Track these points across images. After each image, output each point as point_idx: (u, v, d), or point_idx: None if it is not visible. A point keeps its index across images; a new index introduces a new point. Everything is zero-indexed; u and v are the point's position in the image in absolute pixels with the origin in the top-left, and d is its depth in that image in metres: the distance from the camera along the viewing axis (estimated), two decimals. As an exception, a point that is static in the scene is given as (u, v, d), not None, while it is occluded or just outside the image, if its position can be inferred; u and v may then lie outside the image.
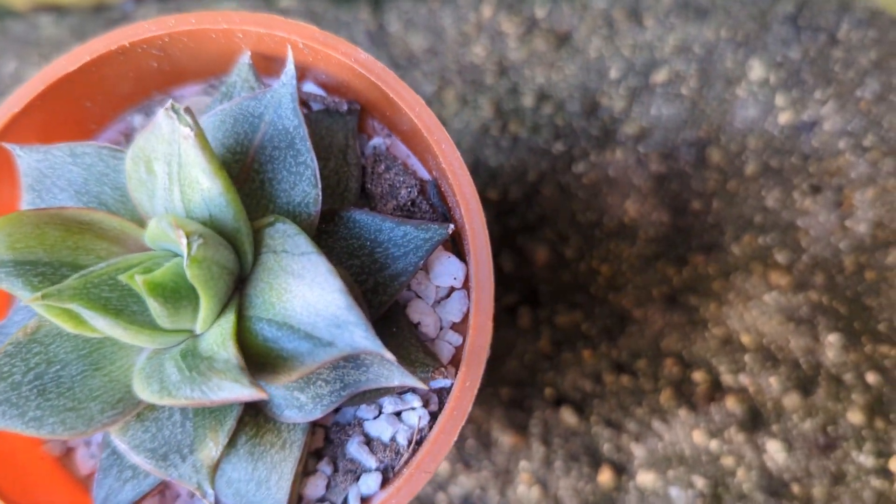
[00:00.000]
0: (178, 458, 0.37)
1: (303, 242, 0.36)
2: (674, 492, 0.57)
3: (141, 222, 0.39)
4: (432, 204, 0.43)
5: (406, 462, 0.40)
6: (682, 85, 0.63)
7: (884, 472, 0.55)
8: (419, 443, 0.40)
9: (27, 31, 0.75)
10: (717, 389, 0.59)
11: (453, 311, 0.42)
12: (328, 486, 0.40)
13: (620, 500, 0.57)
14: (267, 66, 0.44)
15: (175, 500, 0.42)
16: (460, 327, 0.42)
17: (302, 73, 0.45)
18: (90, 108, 0.45)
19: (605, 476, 0.57)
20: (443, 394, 0.41)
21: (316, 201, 0.39)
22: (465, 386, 0.37)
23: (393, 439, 0.40)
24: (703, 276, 0.61)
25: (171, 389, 0.34)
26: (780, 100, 0.62)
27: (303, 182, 0.39)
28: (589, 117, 0.63)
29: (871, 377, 0.57)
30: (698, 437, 0.59)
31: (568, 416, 0.58)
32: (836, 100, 0.61)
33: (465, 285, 0.42)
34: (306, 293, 0.35)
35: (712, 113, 0.62)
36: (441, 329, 0.42)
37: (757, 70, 0.62)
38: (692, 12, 0.65)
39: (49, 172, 0.41)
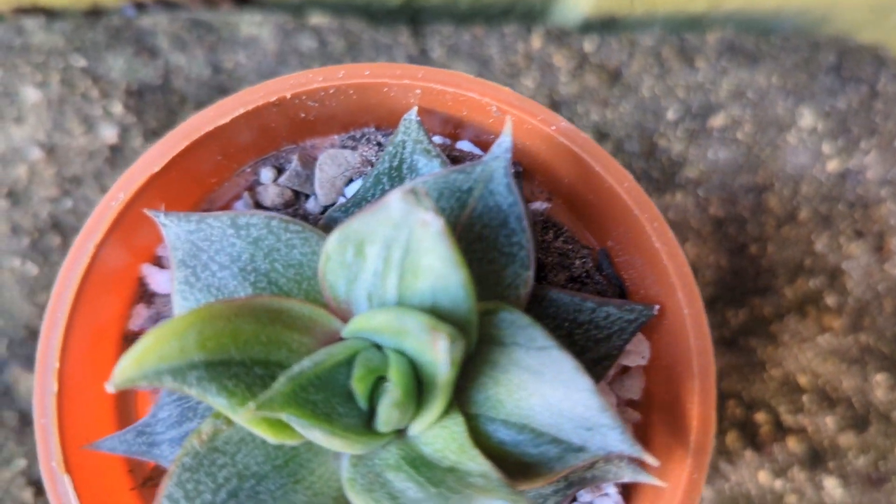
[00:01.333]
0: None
1: (539, 335, 0.33)
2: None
3: (325, 307, 0.34)
4: (606, 275, 0.41)
5: (602, 552, 0.38)
6: (738, 130, 0.64)
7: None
8: (613, 531, 0.38)
9: (10, 37, 0.65)
10: (778, 430, 0.61)
11: (632, 388, 0.41)
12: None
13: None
14: (429, 122, 0.40)
15: None
16: (637, 405, 0.41)
17: (457, 130, 0.41)
18: (219, 161, 0.39)
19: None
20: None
21: (526, 283, 0.36)
22: (692, 479, 0.35)
23: (585, 529, 0.38)
24: (759, 319, 0.63)
25: (414, 509, 0.30)
26: (827, 148, 0.65)
27: (515, 264, 0.36)
28: (648, 158, 0.63)
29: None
30: (763, 477, 0.60)
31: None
32: (878, 150, 0.64)
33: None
34: (547, 392, 0.33)
35: (766, 158, 0.64)
36: (615, 408, 0.41)
37: (807, 118, 0.65)
38: (742, 57, 0.66)
39: (205, 246, 0.35)
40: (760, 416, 0.62)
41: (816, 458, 0.61)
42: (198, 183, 0.40)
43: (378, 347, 0.34)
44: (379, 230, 0.32)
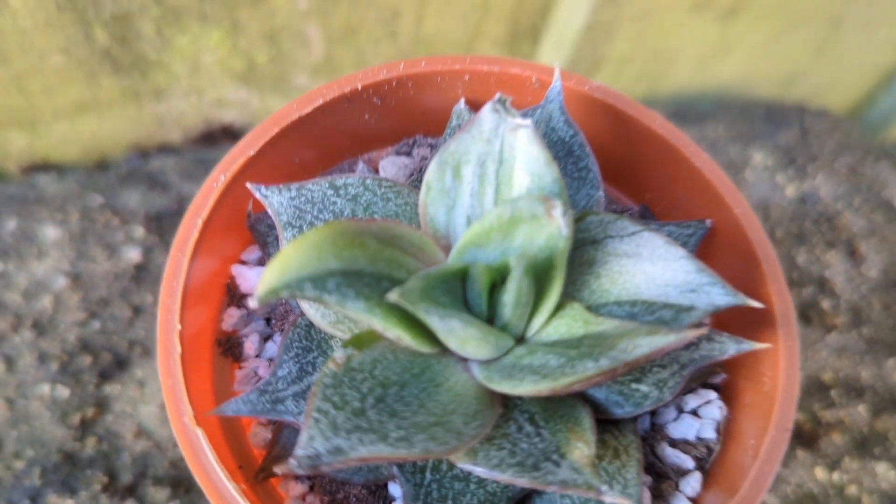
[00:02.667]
0: (552, 465, 0.33)
1: (628, 224, 0.37)
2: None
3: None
4: (652, 222, 0.46)
5: (719, 454, 0.39)
6: (702, 173, 0.73)
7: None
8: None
9: (23, 192, 0.68)
10: (819, 426, 0.63)
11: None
12: (654, 496, 0.38)
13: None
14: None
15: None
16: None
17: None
18: (296, 164, 0.43)
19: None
20: (721, 388, 0.42)
21: (599, 202, 0.40)
22: (788, 346, 0.38)
23: (698, 436, 0.39)
24: (770, 330, 0.67)
25: (561, 371, 0.32)
26: (780, 178, 0.73)
27: (586, 185, 0.40)
28: (633, 207, 0.70)
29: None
30: (820, 473, 0.61)
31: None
32: (823, 172, 0.73)
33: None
34: (647, 269, 0.36)
35: (734, 193, 0.72)
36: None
37: (757, 157, 0.74)
38: (689, 119, 0.76)
39: (307, 208, 0.38)
40: (799, 417, 0.63)
41: (863, 446, 0.62)
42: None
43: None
44: (473, 148, 0.36)
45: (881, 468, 0.62)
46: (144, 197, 0.69)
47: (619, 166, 0.46)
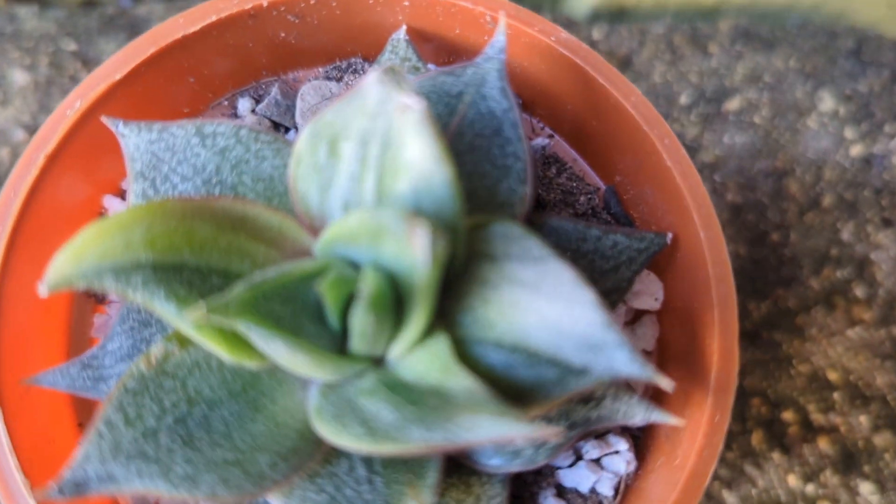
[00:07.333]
0: (371, 524, 0.28)
1: (535, 246, 0.29)
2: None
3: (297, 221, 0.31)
4: (614, 214, 0.37)
5: (611, 517, 0.33)
6: (754, 114, 0.61)
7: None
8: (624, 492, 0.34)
9: (1, 24, 0.63)
10: (808, 430, 0.56)
11: (644, 337, 0.36)
12: (519, 552, 0.33)
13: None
14: (421, 49, 0.37)
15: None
16: (650, 356, 0.36)
17: (451, 58, 0.38)
18: (191, 84, 0.36)
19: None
20: (640, 436, 0.35)
21: (523, 201, 0.32)
22: (714, 422, 0.31)
23: (593, 490, 0.33)
24: (784, 311, 0.58)
25: (389, 432, 0.26)
26: (849, 132, 0.61)
27: (510, 178, 0.32)
28: (660, 142, 0.60)
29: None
30: (793, 481, 0.55)
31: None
32: (904, 134, 0.61)
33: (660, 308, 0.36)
34: (544, 308, 0.28)
35: (786, 143, 0.61)
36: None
37: (827, 102, 0.61)
38: (757, 42, 0.63)
39: (166, 157, 0.32)
40: (788, 415, 0.56)
41: (850, 461, 0.55)
42: (169, 111, 0.37)
43: (354, 267, 0.30)
44: (354, 122, 0.29)
45: (865, 488, 0.55)
46: (120, 47, 0.63)
47: (589, 138, 0.37)
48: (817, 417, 0.56)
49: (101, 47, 0.63)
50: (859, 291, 0.59)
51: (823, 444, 0.56)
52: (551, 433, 0.24)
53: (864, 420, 0.56)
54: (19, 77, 0.62)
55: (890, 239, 0.60)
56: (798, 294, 0.59)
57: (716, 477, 0.55)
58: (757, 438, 0.56)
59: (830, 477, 0.55)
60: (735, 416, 0.56)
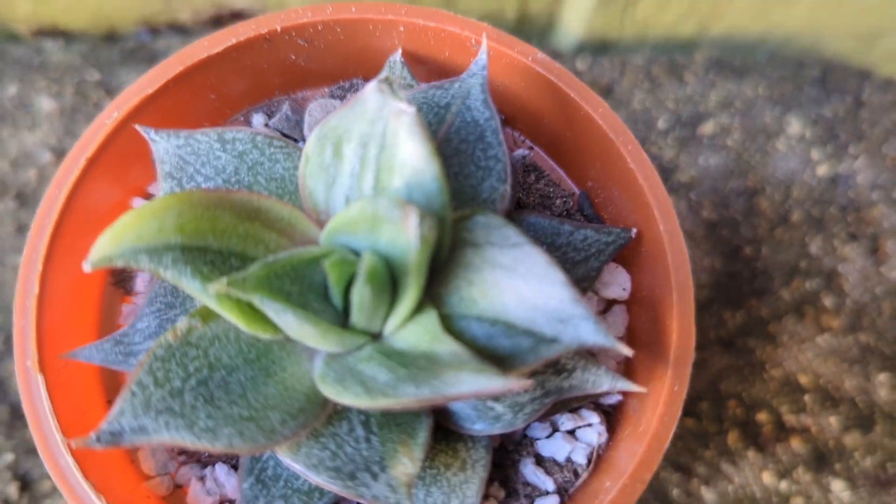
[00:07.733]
0: (369, 477, 0.32)
1: (512, 233, 0.33)
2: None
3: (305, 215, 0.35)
4: (586, 215, 0.42)
5: (584, 483, 0.37)
6: (727, 137, 0.66)
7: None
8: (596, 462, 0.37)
9: (29, 56, 0.69)
10: (781, 430, 0.59)
11: (615, 325, 0.40)
12: (502, 514, 0.37)
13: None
14: (416, 71, 0.42)
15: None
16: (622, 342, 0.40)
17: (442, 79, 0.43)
18: (212, 101, 0.41)
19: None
20: (611, 412, 0.39)
21: (504, 198, 0.36)
22: (674, 391, 0.35)
23: (569, 459, 0.37)
24: (757, 320, 0.62)
25: (384, 390, 0.30)
26: (815, 154, 0.66)
27: (491, 177, 0.36)
28: (640, 163, 0.64)
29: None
30: (768, 478, 0.58)
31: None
32: (867, 155, 0.65)
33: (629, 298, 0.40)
34: (520, 287, 0.33)
35: (756, 164, 0.65)
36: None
37: (794, 126, 0.66)
38: (729, 72, 0.68)
39: (191, 159, 0.37)
40: (762, 416, 0.60)
41: (822, 459, 0.59)
42: (192, 124, 0.41)
43: (355, 254, 0.34)
44: (355, 127, 0.33)
45: (837, 486, 0.58)
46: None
47: (564, 147, 0.42)
48: (790, 419, 0.60)
49: (123, 77, 0.68)
50: (827, 301, 0.63)
51: (796, 443, 0.59)
52: (523, 385, 0.28)
53: (833, 421, 0.60)
54: (46, 104, 0.67)
55: (856, 252, 0.64)
56: (770, 304, 0.63)
57: (694, 474, 0.58)
58: (733, 438, 0.59)
59: (803, 474, 0.58)
60: (712, 417, 0.60)
